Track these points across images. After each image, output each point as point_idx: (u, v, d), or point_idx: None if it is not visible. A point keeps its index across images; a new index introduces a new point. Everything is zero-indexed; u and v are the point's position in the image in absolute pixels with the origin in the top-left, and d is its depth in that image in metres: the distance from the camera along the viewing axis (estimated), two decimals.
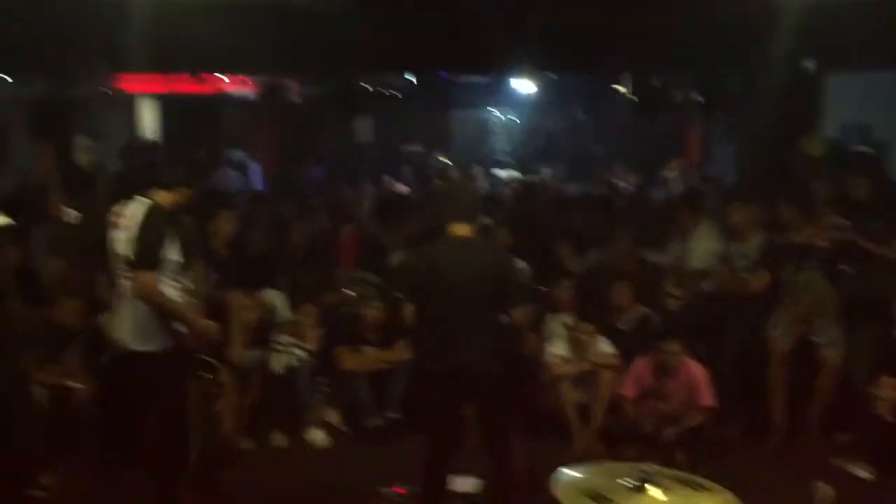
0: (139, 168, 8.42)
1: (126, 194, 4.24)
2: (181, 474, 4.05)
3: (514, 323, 4.34)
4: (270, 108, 10.70)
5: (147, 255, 3.99)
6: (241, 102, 12.82)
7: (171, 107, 12.64)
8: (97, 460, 5.17)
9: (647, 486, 2.44)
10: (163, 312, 4.03)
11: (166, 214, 4.11)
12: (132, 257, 4.00)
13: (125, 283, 4.10)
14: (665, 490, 2.44)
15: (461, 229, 4.22)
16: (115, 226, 4.11)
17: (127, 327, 4.15)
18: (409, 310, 4.32)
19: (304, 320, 5.94)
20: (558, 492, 2.46)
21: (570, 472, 2.64)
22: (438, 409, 4.28)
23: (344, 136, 15.77)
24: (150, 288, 3.99)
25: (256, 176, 12.87)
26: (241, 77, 11.42)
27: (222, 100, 12.67)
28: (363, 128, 15.65)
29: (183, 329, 4.06)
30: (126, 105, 11.78)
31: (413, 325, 4.33)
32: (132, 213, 4.06)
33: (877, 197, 5.60)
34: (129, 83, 10.97)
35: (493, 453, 4.20)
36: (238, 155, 12.79)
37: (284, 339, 5.87)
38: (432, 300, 4.16)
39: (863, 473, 5.13)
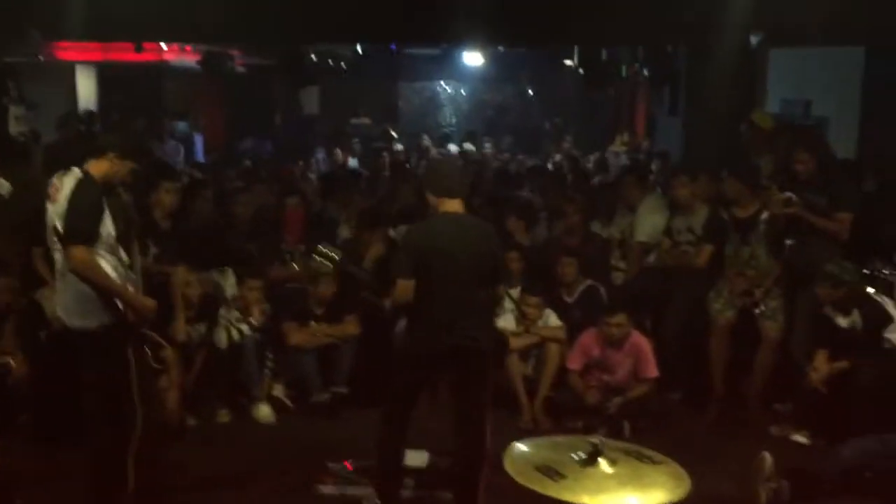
0: (74, 138, 8.16)
1: (61, 165, 4.08)
2: (125, 452, 3.96)
3: (496, 299, 4.38)
4: (213, 78, 10.45)
5: (78, 228, 3.84)
6: (182, 72, 12.53)
7: (109, 75, 12.31)
8: (36, 437, 5.07)
9: (596, 459, 2.46)
10: (98, 288, 3.90)
11: (97, 185, 3.92)
12: (63, 231, 3.86)
13: (59, 257, 3.95)
14: (613, 463, 2.46)
15: (453, 205, 4.19)
16: (50, 198, 3.95)
17: (64, 303, 4.02)
18: (403, 286, 4.15)
19: (249, 295, 5.85)
20: (510, 466, 2.46)
21: (521, 447, 2.64)
22: (413, 384, 4.28)
23: (290, 107, 15.57)
24: (83, 262, 3.84)
25: (199, 147, 12.64)
26: (182, 46, 11.15)
27: (163, 69, 12.37)
28: (309, 99, 15.45)
29: (121, 305, 3.95)
30: (62, 73, 11.41)
31: (405, 300, 4.19)
32: (65, 184, 3.91)
33: (818, 171, 5.67)
34: (66, 51, 10.63)
35: (468, 428, 4.18)
36: (180, 126, 12.53)
37: (230, 314, 5.77)
38: (433, 274, 4.10)
39: (801, 439, 5.27)
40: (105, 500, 4.01)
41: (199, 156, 12.42)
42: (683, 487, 2.46)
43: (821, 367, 5.12)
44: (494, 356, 4.65)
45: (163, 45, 10.73)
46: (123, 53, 10.22)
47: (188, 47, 11.16)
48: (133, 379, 3.97)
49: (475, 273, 4.13)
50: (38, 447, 4.99)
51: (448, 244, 4.12)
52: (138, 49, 8.93)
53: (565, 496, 2.29)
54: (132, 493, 3.98)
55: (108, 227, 3.91)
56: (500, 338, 5.62)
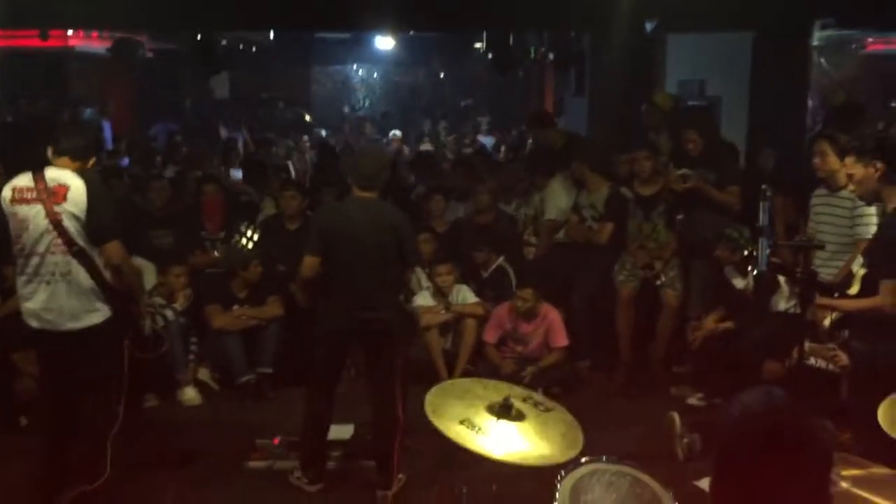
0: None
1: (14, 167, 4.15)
2: (107, 438, 4.08)
3: (405, 279, 4.59)
4: (122, 64, 10.31)
5: (112, 224, 3.96)
6: (89, 58, 12.28)
7: (11, 63, 11.96)
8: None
9: (508, 411, 2.77)
10: (130, 280, 4.05)
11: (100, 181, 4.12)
12: (96, 229, 3.91)
13: (57, 259, 3.91)
14: (520, 415, 2.78)
15: (366, 191, 4.38)
16: (25, 202, 3.91)
17: (57, 307, 3.96)
18: (308, 262, 4.37)
19: (175, 281, 5.94)
20: (435, 418, 2.72)
21: (438, 393, 2.90)
22: (329, 361, 4.48)
23: (200, 92, 15.40)
24: (123, 256, 4.00)
25: (107, 134, 12.42)
26: (89, 32, 10.95)
27: (69, 55, 12.10)
28: (220, 84, 15.29)
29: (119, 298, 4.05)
30: None
31: (310, 276, 4.41)
32: (71, 184, 3.90)
33: (707, 149, 6.04)
34: None
35: (380, 400, 4.44)
36: (87, 113, 12.29)
37: (153, 300, 5.85)
38: (340, 255, 4.31)
39: (695, 401, 5.67)
40: (89, 483, 4.05)
41: (109, 143, 12.21)
42: (580, 439, 2.80)
43: (705, 324, 5.50)
44: (411, 333, 4.89)
45: (69, 31, 10.52)
46: (27, 40, 9.97)
47: (94, 33, 10.96)
48: (125, 368, 4.09)
49: (380, 254, 4.32)
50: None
51: (354, 226, 4.32)
52: (43, 36, 8.75)
53: (483, 451, 2.59)
54: (109, 477, 4.07)
55: None
56: (414, 316, 5.86)
